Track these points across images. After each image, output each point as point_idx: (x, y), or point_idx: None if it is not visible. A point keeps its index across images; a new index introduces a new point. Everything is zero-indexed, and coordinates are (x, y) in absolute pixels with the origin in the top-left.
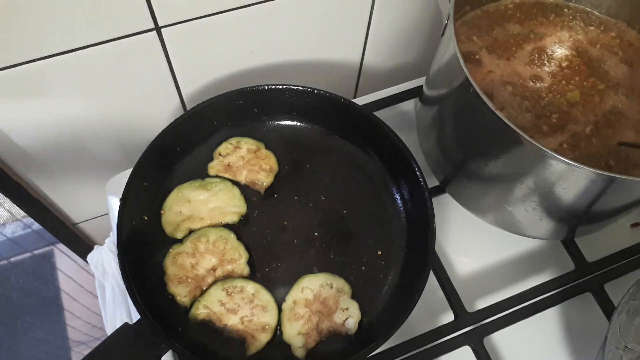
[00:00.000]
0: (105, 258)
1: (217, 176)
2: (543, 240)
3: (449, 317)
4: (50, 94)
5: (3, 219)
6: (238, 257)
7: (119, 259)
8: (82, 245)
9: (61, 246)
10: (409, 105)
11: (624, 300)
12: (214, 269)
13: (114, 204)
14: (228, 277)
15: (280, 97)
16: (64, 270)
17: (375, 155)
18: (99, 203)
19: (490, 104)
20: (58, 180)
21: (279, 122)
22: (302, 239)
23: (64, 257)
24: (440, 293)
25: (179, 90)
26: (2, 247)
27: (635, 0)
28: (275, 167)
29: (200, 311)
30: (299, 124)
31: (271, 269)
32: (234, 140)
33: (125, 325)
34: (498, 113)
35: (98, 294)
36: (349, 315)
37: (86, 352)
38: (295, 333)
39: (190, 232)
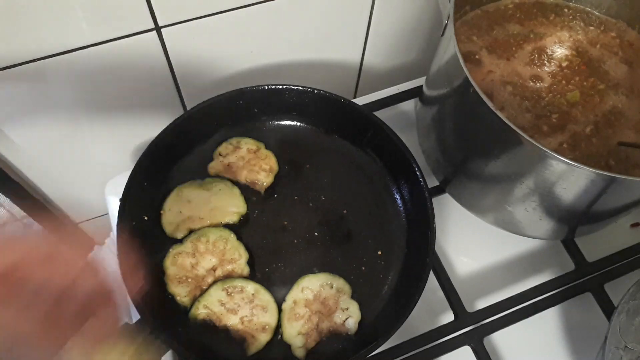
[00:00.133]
0: (105, 258)
1: (217, 176)
2: (543, 240)
3: (449, 317)
4: (50, 93)
5: (3, 219)
6: (238, 257)
7: (119, 259)
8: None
9: None
10: (409, 105)
11: (624, 300)
12: (214, 269)
13: (114, 204)
14: (228, 277)
15: (280, 97)
16: None
17: (375, 155)
18: (99, 203)
19: (490, 104)
20: (58, 180)
21: (279, 122)
22: (302, 239)
23: None
24: (440, 293)
25: (179, 90)
26: None
27: (635, 0)
28: (275, 167)
29: (200, 311)
30: (299, 124)
31: (271, 269)
32: (234, 140)
33: (125, 325)
34: (498, 113)
35: None
36: (349, 315)
37: None
38: (295, 333)
39: (190, 232)
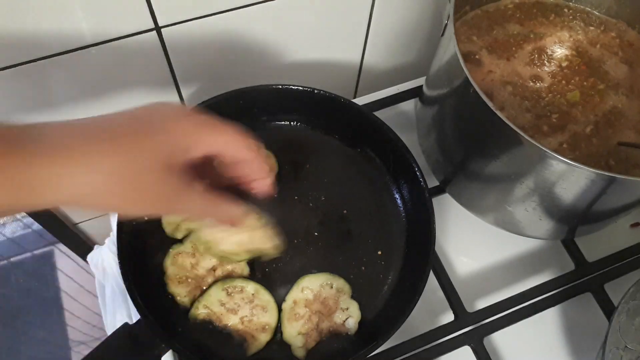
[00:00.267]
0: (105, 258)
1: None
2: (543, 240)
3: (449, 317)
4: (50, 93)
5: (3, 219)
6: None
7: (119, 259)
8: (82, 245)
9: (61, 246)
10: (409, 105)
11: (624, 300)
12: (214, 269)
13: None
14: (228, 277)
15: (280, 97)
16: (64, 270)
17: (375, 155)
18: None
19: (490, 104)
20: None
21: (279, 122)
22: (302, 239)
23: (64, 257)
24: (440, 293)
25: (179, 90)
26: (2, 247)
27: (635, 0)
28: (275, 167)
29: (200, 311)
30: (299, 124)
31: (271, 269)
32: None
33: (125, 325)
34: (498, 113)
35: (98, 294)
36: (349, 315)
37: (86, 352)
38: (295, 333)
39: (190, 232)
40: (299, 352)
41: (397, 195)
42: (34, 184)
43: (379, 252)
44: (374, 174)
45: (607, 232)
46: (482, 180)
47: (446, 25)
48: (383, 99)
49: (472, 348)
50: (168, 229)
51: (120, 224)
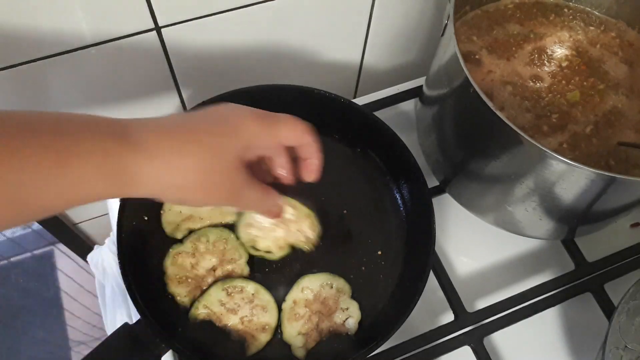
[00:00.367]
0: (105, 258)
1: None
2: (543, 240)
3: (449, 317)
4: (50, 94)
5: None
6: (238, 257)
7: (119, 259)
8: (82, 245)
9: (61, 246)
10: (409, 105)
11: (624, 300)
12: (214, 269)
13: (114, 204)
14: (228, 277)
15: (281, 97)
16: (64, 270)
17: (375, 155)
18: (99, 203)
19: (490, 104)
20: None
21: None
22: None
23: (64, 257)
24: (440, 293)
25: (179, 90)
26: (2, 247)
27: (635, 0)
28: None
29: (200, 311)
30: None
31: (271, 269)
32: None
33: (125, 325)
34: (498, 113)
35: (98, 294)
36: (349, 315)
37: (86, 352)
38: (295, 333)
39: (190, 232)
40: (299, 352)
41: (397, 195)
42: (136, 177)
43: (379, 252)
44: (374, 174)
45: (607, 232)
46: (482, 180)
47: (446, 25)
48: (383, 99)
49: (472, 348)
50: (168, 229)
51: (120, 224)
